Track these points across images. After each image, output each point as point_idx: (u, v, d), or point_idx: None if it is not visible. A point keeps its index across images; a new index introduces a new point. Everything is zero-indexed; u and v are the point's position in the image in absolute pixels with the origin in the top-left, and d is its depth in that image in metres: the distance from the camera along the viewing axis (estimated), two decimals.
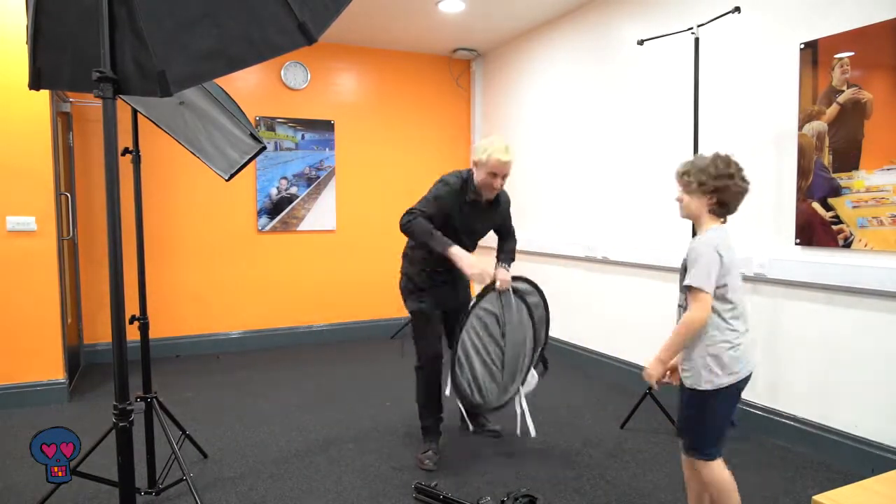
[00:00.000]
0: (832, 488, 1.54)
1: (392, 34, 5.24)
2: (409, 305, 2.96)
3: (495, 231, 3.10)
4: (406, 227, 2.76)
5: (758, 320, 3.23)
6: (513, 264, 2.98)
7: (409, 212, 2.78)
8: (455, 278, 2.93)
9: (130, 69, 1.30)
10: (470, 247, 2.94)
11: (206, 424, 3.39)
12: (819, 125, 2.88)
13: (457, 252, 2.65)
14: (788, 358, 3.08)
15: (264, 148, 2.67)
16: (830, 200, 2.84)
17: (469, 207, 2.85)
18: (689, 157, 3.20)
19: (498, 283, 2.75)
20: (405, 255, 3.03)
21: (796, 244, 3.00)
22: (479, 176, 2.80)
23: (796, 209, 2.99)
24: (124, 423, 1.38)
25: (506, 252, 3.02)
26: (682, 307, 2.02)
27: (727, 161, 2.05)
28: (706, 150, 3.41)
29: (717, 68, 3.42)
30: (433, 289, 2.93)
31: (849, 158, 2.76)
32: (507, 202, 3.05)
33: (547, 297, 3.02)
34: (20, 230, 3.62)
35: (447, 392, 2.73)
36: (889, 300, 2.64)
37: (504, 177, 2.79)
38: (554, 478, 2.72)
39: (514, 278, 2.81)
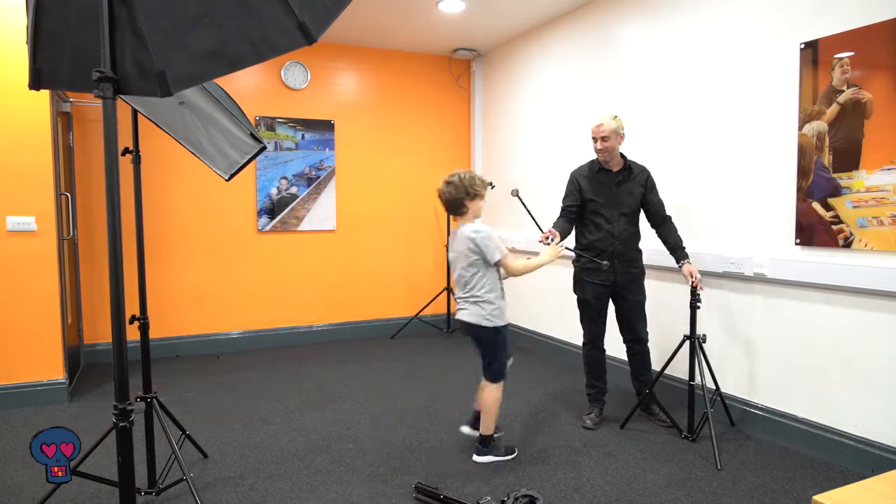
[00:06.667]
0: (832, 488, 1.54)
1: (392, 34, 5.24)
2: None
3: (645, 211, 3.32)
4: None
5: (758, 320, 3.23)
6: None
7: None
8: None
9: (130, 69, 1.30)
10: (616, 221, 3.23)
11: (206, 424, 3.39)
12: (819, 125, 2.88)
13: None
14: (788, 358, 3.08)
15: (264, 148, 2.66)
16: (830, 200, 2.84)
17: (602, 176, 3.28)
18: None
19: (693, 280, 3.07)
20: None
21: (796, 244, 3.00)
22: (594, 147, 3.25)
23: (796, 209, 2.99)
24: (124, 423, 1.38)
25: (677, 248, 3.23)
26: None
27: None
28: (706, 149, 3.43)
29: (717, 68, 3.42)
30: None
31: (849, 158, 2.76)
32: (644, 174, 3.29)
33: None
34: (20, 230, 3.62)
35: None
36: (889, 300, 2.64)
37: (602, 139, 3.17)
38: (554, 478, 2.72)
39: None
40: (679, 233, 3.28)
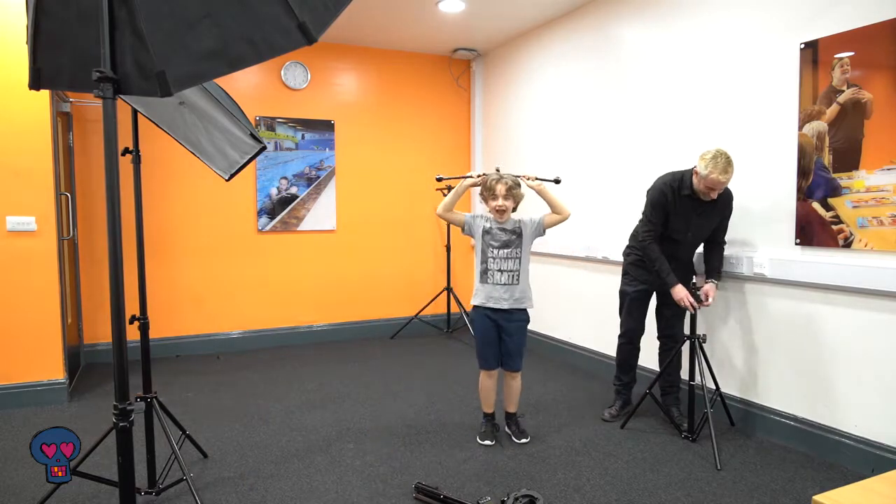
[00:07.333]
0: (832, 488, 1.54)
1: (392, 34, 5.24)
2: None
3: (711, 232, 3.21)
4: (642, 248, 3.26)
5: (758, 320, 3.23)
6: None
7: (644, 227, 3.25)
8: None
9: (130, 69, 1.30)
10: (685, 248, 3.21)
11: (206, 424, 3.39)
12: (819, 125, 2.88)
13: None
14: (788, 358, 3.08)
15: (264, 148, 2.66)
16: (830, 200, 2.84)
17: (687, 200, 3.11)
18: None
19: (706, 298, 3.09)
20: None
21: (796, 244, 3.00)
22: (696, 183, 3.04)
23: (796, 209, 2.99)
24: (124, 423, 1.38)
25: (715, 270, 3.20)
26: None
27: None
28: (706, 150, 3.43)
29: (718, 68, 3.42)
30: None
31: (849, 158, 2.76)
32: (728, 198, 3.16)
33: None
34: (20, 230, 3.62)
35: None
36: (889, 300, 2.64)
37: (719, 191, 3.02)
38: (554, 478, 2.72)
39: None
40: (723, 257, 3.23)
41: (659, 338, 3.41)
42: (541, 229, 3.08)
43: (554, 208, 3.04)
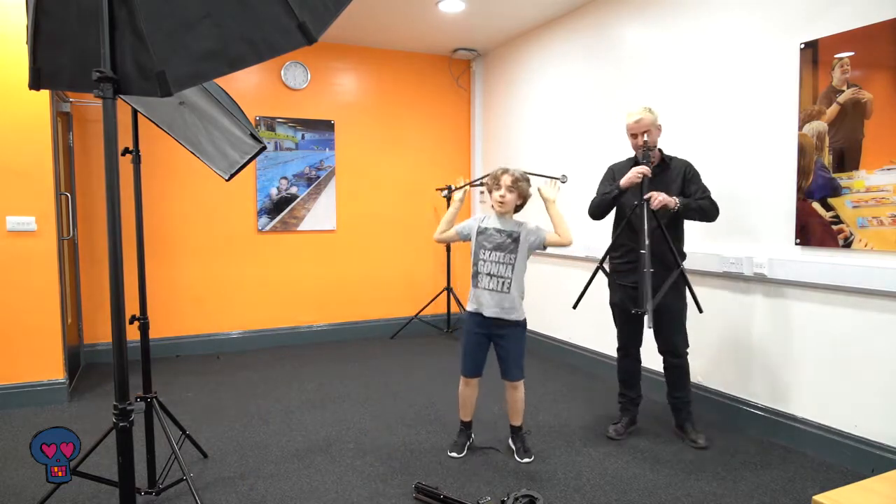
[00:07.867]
0: (832, 488, 1.54)
1: (392, 34, 5.24)
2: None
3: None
4: (589, 209, 3.22)
5: (758, 320, 3.23)
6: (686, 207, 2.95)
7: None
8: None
9: (130, 69, 1.30)
10: (649, 219, 2.85)
11: (206, 424, 3.39)
12: (819, 125, 2.88)
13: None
14: (788, 358, 3.08)
15: (264, 148, 2.66)
16: (830, 200, 2.84)
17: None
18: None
19: (652, 197, 2.85)
20: None
21: (796, 244, 3.00)
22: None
23: (796, 209, 2.99)
24: (124, 423, 1.38)
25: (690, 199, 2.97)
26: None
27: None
28: (706, 150, 3.43)
29: (718, 68, 3.42)
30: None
31: (849, 158, 2.76)
32: (683, 165, 3.07)
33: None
34: (20, 230, 3.62)
35: None
36: (889, 300, 2.64)
37: (644, 133, 2.97)
38: (554, 478, 2.72)
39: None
40: (705, 204, 2.96)
41: (659, 352, 3.18)
42: (541, 243, 2.85)
43: (556, 228, 2.83)
